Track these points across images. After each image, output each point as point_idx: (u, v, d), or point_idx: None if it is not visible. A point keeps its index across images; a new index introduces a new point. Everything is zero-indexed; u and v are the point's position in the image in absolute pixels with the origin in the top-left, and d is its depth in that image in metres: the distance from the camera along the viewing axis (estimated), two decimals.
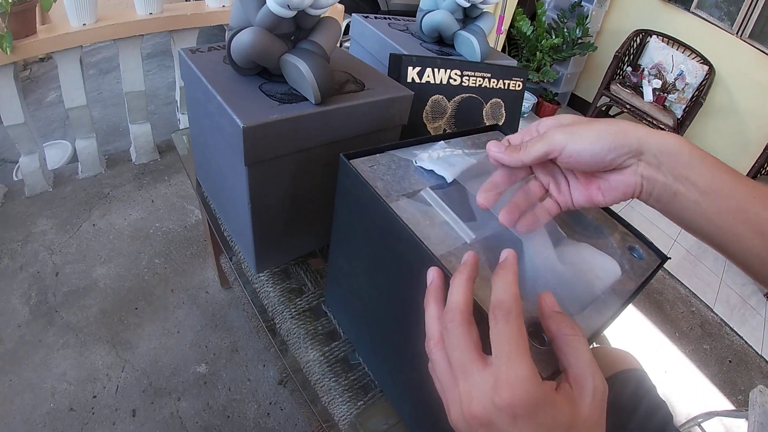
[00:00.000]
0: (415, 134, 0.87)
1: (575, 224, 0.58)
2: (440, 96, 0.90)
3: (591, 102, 3.62)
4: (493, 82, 0.97)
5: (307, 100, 0.66)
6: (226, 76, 0.70)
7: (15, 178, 2.28)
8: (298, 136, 0.65)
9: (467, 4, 1.01)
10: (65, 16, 1.84)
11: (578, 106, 4.37)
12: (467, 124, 0.96)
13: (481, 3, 1.02)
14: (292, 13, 0.62)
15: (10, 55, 1.67)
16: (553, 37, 3.56)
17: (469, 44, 1.02)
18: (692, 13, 3.49)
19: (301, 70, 0.62)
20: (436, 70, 0.89)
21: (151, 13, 2.00)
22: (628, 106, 3.41)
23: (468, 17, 1.09)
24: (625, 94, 3.45)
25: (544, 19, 3.62)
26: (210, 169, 0.88)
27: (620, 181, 0.45)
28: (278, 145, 0.64)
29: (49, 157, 2.30)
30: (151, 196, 2.22)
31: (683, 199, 0.43)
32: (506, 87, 1.00)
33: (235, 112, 0.60)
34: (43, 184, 2.12)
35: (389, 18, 1.19)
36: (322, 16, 0.69)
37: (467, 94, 0.94)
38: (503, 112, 1.02)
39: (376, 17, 1.16)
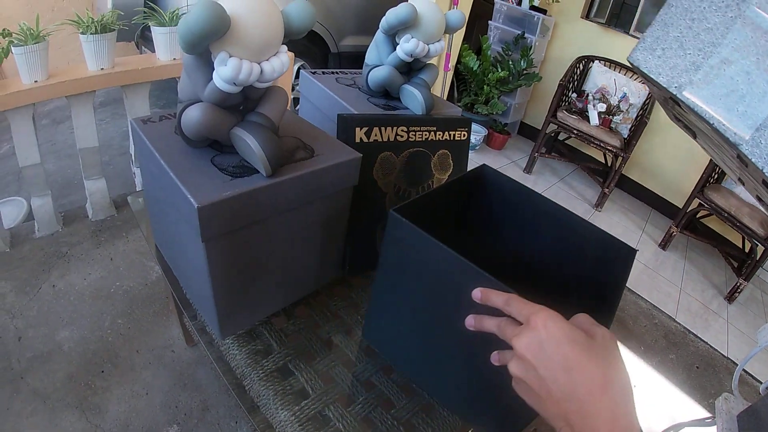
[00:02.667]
0: (368, 191, 0.92)
1: None
2: (389, 153, 0.95)
3: (540, 129, 3.74)
4: (439, 134, 1.02)
5: (257, 172, 0.69)
6: (178, 149, 0.73)
7: None
8: (252, 208, 0.68)
9: (410, 59, 1.06)
10: (16, 73, 1.84)
11: (528, 133, 4.52)
12: (417, 178, 1.01)
13: (424, 57, 1.07)
14: (239, 89, 0.65)
15: None
16: (499, 70, 3.69)
17: (413, 98, 1.07)
18: (631, 35, 3.69)
19: (250, 145, 0.65)
20: (383, 128, 0.93)
21: (102, 69, 2.00)
22: (575, 132, 3.53)
23: (412, 69, 1.13)
24: (572, 120, 3.57)
25: (489, 53, 3.75)
26: (167, 236, 0.90)
27: None
28: (233, 219, 0.67)
29: (4, 214, 2.25)
30: (110, 253, 2.20)
31: None
32: (452, 138, 1.05)
33: (189, 191, 0.62)
34: (0, 245, 2.08)
35: (337, 72, 1.24)
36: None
37: (415, 149, 0.98)
38: (450, 162, 1.07)
39: (324, 72, 1.21)
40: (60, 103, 3.53)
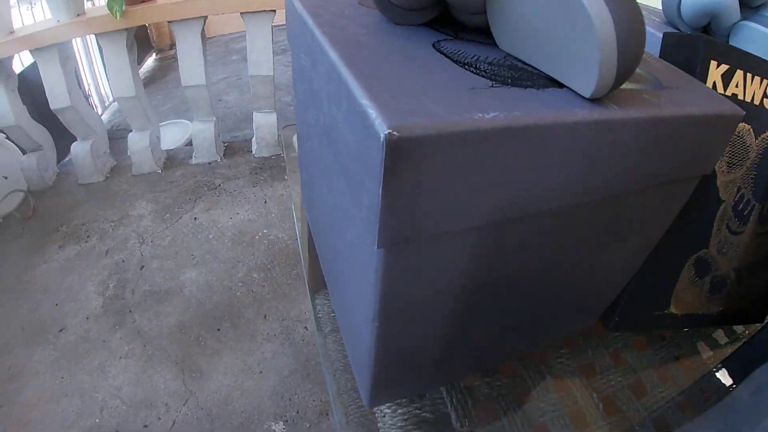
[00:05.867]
0: (696, 190, 0.46)
1: None
2: (747, 126, 0.49)
3: None
4: None
5: (556, 85, 0.27)
6: (357, 23, 0.33)
7: (129, 153, 2.13)
8: (527, 179, 0.25)
9: None
10: None
11: None
12: (765, 188, 0.54)
13: None
14: None
15: (121, 20, 1.47)
16: None
17: None
18: None
19: (585, 6, 0.23)
20: (750, 76, 0.47)
21: None
22: None
23: (744, 6, 0.66)
24: None
25: None
26: (316, 203, 0.53)
27: None
28: (471, 201, 0.24)
29: (167, 135, 2.15)
30: (265, 195, 1.96)
31: None
32: None
33: (371, 93, 0.22)
34: (151, 164, 1.96)
35: None
36: None
37: None
38: None
39: None
40: None
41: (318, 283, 0.65)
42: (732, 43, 0.65)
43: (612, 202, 0.33)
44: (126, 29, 1.58)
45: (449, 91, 0.24)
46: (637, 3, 0.24)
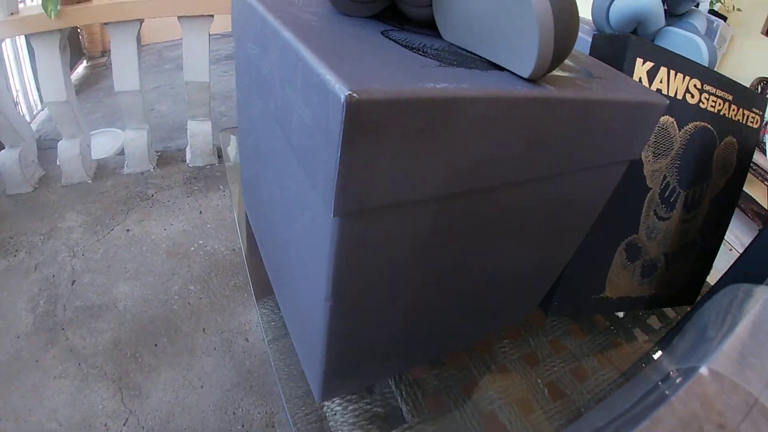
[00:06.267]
0: (625, 179, 0.49)
1: None
2: (670, 119, 0.52)
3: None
4: (733, 109, 0.59)
5: (496, 68, 0.29)
6: (309, 12, 0.33)
7: (58, 163, 2.04)
8: (475, 152, 0.27)
9: None
10: None
11: None
12: (692, 172, 0.58)
13: None
14: None
15: (55, 20, 1.41)
16: None
17: (691, 48, 0.64)
18: None
19: None
20: (673, 73, 0.51)
21: None
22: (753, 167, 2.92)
23: (669, 14, 0.71)
24: None
25: None
26: (261, 200, 0.52)
27: None
28: (424, 170, 0.25)
29: (97, 144, 2.07)
30: (200, 206, 1.91)
31: None
32: (744, 120, 0.62)
33: (329, 65, 0.22)
34: (81, 174, 1.89)
35: None
36: None
37: (701, 123, 0.56)
38: (734, 159, 0.63)
39: None
40: None
41: (263, 289, 0.65)
42: (661, 44, 0.70)
43: (549, 184, 0.35)
44: (60, 30, 1.51)
45: (402, 67, 0.25)
46: None
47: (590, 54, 0.52)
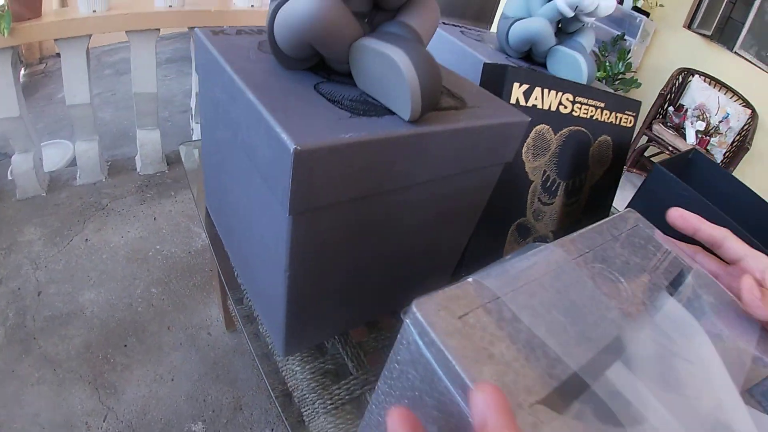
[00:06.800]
0: (510, 175, 0.64)
1: None
2: (546, 126, 0.67)
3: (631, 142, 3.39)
4: (606, 114, 0.75)
5: (390, 113, 0.42)
6: (261, 69, 0.46)
7: (9, 177, 2.06)
8: (378, 169, 0.41)
9: (571, 14, 0.78)
10: (75, 1, 1.66)
11: None
12: (571, 166, 0.73)
13: (587, 15, 0.79)
14: None
15: (8, 38, 1.47)
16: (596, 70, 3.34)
17: (574, 63, 0.79)
18: (735, 53, 3.29)
19: (395, 61, 0.38)
20: (546, 90, 0.65)
21: (171, 6, 1.79)
22: (670, 148, 3.18)
23: (562, 32, 0.86)
24: (669, 135, 3.22)
25: None
26: (226, 203, 0.65)
27: None
28: (343, 183, 0.39)
29: (47, 157, 2.09)
30: (154, 212, 1.99)
31: None
32: (618, 122, 0.78)
33: (282, 124, 0.36)
34: (36, 188, 1.92)
35: (459, 26, 0.97)
36: None
37: (576, 127, 0.71)
38: (610, 154, 0.79)
39: (444, 23, 0.94)
40: (127, 54, 3.40)
41: (231, 282, 0.77)
42: (548, 62, 0.85)
43: (437, 183, 0.50)
44: (12, 47, 1.55)
45: (326, 119, 0.38)
46: (434, 61, 0.40)
47: (481, 77, 0.66)
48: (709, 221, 0.44)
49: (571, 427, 0.23)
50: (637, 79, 3.43)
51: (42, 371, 1.36)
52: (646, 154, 3.72)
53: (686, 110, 3.39)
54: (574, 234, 0.37)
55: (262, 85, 0.42)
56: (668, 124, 3.36)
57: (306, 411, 0.63)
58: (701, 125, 3.27)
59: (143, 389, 1.37)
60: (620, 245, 0.38)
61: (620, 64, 3.38)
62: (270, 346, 0.67)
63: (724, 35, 3.43)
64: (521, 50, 0.86)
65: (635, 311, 0.33)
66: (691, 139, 3.21)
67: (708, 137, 3.24)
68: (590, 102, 0.71)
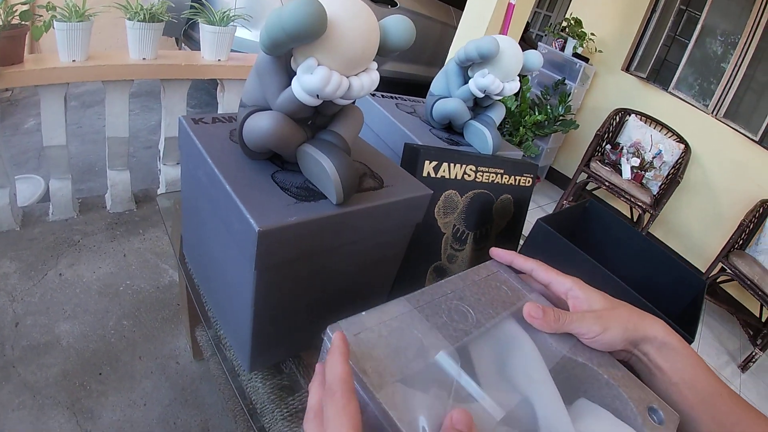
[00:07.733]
0: (426, 230, 0.84)
1: (590, 382, 0.53)
2: (453, 191, 0.87)
3: (570, 178, 3.67)
4: (506, 178, 0.95)
5: (325, 198, 0.61)
6: (234, 159, 0.65)
7: None
8: (315, 238, 0.60)
9: (481, 95, 0.98)
10: (55, 49, 1.80)
11: (556, 179, 4.43)
12: (477, 220, 0.93)
13: (496, 95, 0.99)
14: (318, 102, 0.57)
15: None
16: (537, 113, 3.62)
17: (481, 136, 0.99)
18: (670, 93, 3.62)
19: (325, 167, 0.57)
20: (452, 164, 0.85)
21: (144, 58, 1.96)
22: (606, 183, 3.46)
23: (478, 105, 1.06)
24: (605, 172, 3.50)
25: (528, 95, 3.69)
26: (203, 253, 0.82)
27: (616, 354, 0.56)
28: (292, 248, 0.58)
29: (19, 191, 2.18)
30: (124, 249, 2.12)
31: (658, 381, 0.54)
32: (517, 183, 0.97)
33: (250, 211, 0.54)
34: (10, 222, 2.02)
35: (395, 97, 1.17)
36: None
37: (479, 190, 0.91)
38: (512, 208, 0.99)
39: (383, 96, 1.14)
40: (92, 87, 3.51)
41: (197, 318, 0.94)
42: (464, 133, 1.05)
43: (367, 241, 0.69)
44: None
45: (280, 204, 0.57)
46: (353, 163, 0.59)
47: (402, 154, 0.85)
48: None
49: (403, 392, 0.41)
50: (575, 121, 3.71)
51: (22, 397, 1.46)
52: (588, 188, 4.01)
53: (622, 148, 3.69)
54: (442, 281, 0.56)
55: (234, 174, 0.61)
56: (605, 161, 3.64)
57: (266, 419, 0.79)
58: (636, 161, 3.56)
59: (118, 414, 1.49)
60: (477, 286, 0.58)
61: (561, 108, 3.66)
62: (237, 368, 0.84)
63: (660, 76, 3.76)
64: (442, 123, 1.06)
65: (477, 331, 0.52)
66: (627, 174, 3.50)
67: (642, 172, 3.53)
68: (491, 170, 0.91)
